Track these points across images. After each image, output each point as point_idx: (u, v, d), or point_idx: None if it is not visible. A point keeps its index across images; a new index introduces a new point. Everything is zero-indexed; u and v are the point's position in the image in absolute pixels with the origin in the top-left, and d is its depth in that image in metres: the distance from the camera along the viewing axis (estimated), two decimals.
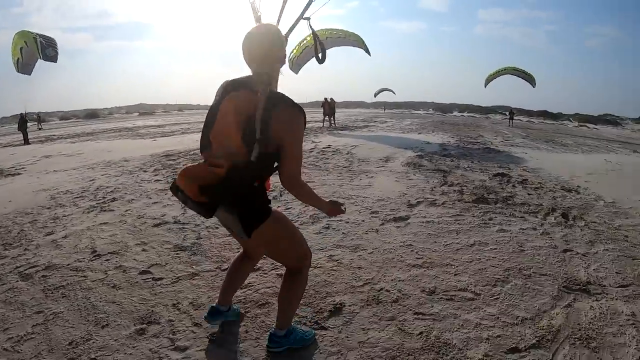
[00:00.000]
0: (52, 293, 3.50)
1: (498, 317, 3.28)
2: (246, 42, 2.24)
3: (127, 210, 5.89)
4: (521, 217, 6.06)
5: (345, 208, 2.65)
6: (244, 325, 3.08)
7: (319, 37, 3.27)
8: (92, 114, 49.68)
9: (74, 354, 2.68)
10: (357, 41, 23.09)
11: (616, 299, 3.73)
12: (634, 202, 7.69)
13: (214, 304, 3.00)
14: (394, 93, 73.49)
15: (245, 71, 2.32)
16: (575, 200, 7.44)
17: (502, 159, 12.90)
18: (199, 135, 2.37)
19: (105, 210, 5.87)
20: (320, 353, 2.76)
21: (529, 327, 3.16)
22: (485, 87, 40.64)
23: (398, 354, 2.78)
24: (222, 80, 2.34)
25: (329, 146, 13.21)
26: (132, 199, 6.52)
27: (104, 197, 6.63)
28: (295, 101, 2.24)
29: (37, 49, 20.05)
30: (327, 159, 10.97)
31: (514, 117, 45.27)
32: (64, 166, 9.55)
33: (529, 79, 38.74)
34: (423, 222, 5.60)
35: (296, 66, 22.19)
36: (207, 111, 2.34)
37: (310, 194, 2.40)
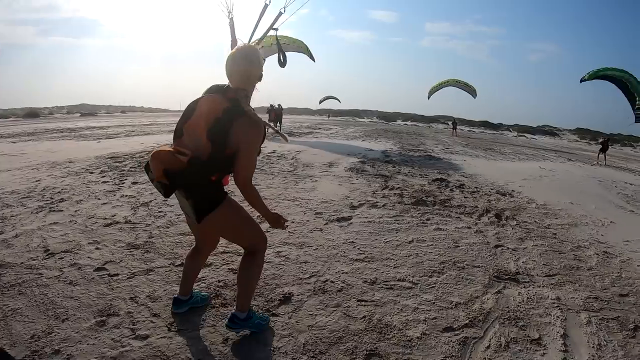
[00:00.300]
0: (8, 290, 3.54)
1: (434, 303, 3.66)
2: (230, 62, 2.59)
3: (76, 211, 5.87)
4: (457, 218, 6.55)
5: (287, 225, 2.97)
6: (201, 314, 3.29)
7: (280, 44, 3.58)
8: (32, 113, 47.11)
9: (37, 347, 2.79)
10: (301, 47, 23.23)
11: (543, 286, 4.23)
12: (563, 205, 8.39)
13: (176, 295, 3.27)
14: (339, 101, 74.35)
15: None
16: (508, 203, 8.04)
17: (442, 165, 13.56)
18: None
19: (54, 211, 5.83)
20: (274, 336, 3.03)
21: (463, 311, 3.56)
22: (428, 98, 41.72)
23: (344, 334, 3.09)
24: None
25: (274, 151, 13.41)
26: (81, 200, 6.48)
27: (51, 198, 6.53)
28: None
29: None
30: (273, 163, 11.18)
31: (457, 127, 46.52)
32: (7, 166, 9.14)
33: (470, 90, 40.10)
34: (365, 222, 5.95)
35: None
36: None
37: (258, 198, 2.67)
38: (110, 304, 3.35)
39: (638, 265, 5.25)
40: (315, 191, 7.90)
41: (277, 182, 8.55)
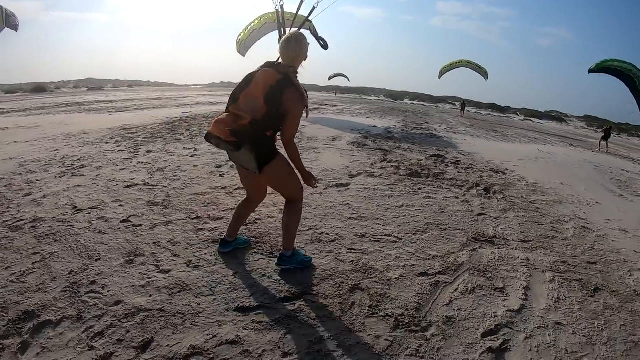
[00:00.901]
0: (44, 239, 4.04)
1: (414, 254, 4.24)
2: (285, 45, 3.23)
3: (97, 175, 6.34)
4: (447, 189, 7.08)
5: (317, 186, 3.71)
6: (214, 254, 3.89)
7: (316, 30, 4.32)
8: (39, 88, 46.83)
9: (75, 279, 3.34)
10: (305, 23, 23.15)
11: (515, 249, 4.77)
12: (553, 184, 8.86)
13: (223, 237, 3.96)
14: (348, 80, 74.29)
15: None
16: (499, 180, 8.55)
17: (442, 143, 13.97)
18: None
19: (76, 175, 6.31)
20: (275, 272, 3.63)
21: (438, 262, 4.13)
22: (439, 78, 41.61)
23: (333, 273, 3.69)
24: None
25: None
26: (100, 166, 6.95)
27: (72, 165, 7.00)
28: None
29: (1, 18, 19.96)
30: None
31: (465, 109, 46.88)
32: (24, 137, 9.68)
33: (482, 72, 39.86)
34: (361, 188, 6.48)
35: (243, 49, 22.03)
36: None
37: (298, 155, 3.38)
38: (137, 247, 3.93)
39: (613, 241, 5.70)
40: (317, 161, 8.40)
41: (282, 153, 8.87)
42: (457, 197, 6.62)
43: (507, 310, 3.43)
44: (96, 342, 2.67)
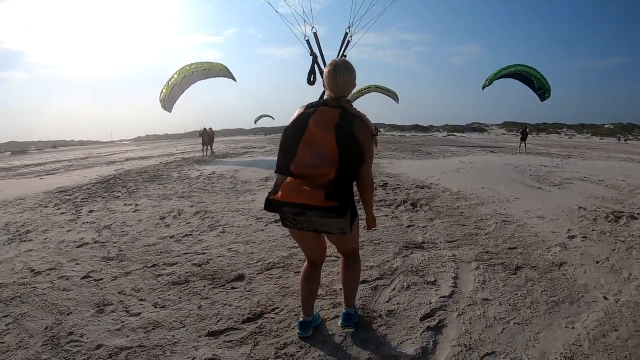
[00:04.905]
0: (10, 302, 4.22)
1: None
2: (333, 74, 2.94)
3: (46, 239, 6.56)
4: (377, 209, 7.79)
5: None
6: (177, 294, 4.31)
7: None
8: None
9: (53, 333, 3.61)
10: (222, 70, 23.68)
11: (443, 249, 5.52)
12: (475, 190, 9.85)
13: (301, 319, 3.47)
14: (273, 119, 75.50)
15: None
16: (425, 194, 9.46)
17: None
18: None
19: (25, 241, 6.48)
20: (235, 299, 4.13)
21: (375, 270, 4.78)
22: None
23: (286, 293, 4.25)
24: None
25: (214, 172, 14.51)
26: (46, 230, 7.16)
27: (17, 231, 7.13)
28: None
29: None
30: (214, 183, 12.19)
31: (379, 134, 48.45)
32: None
33: (392, 95, 41.42)
34: None
35: (168, 105, 21.70)
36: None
37: (372, 198, 3.17)
38: (103, 298, 4.27)
39: (531, 227, 6.62)
40: (254, 202, 8.99)
41: (220, 199, 9.60)
42: (386, 215, 7.36)
43: (439, 297, 4.09)
44: None
